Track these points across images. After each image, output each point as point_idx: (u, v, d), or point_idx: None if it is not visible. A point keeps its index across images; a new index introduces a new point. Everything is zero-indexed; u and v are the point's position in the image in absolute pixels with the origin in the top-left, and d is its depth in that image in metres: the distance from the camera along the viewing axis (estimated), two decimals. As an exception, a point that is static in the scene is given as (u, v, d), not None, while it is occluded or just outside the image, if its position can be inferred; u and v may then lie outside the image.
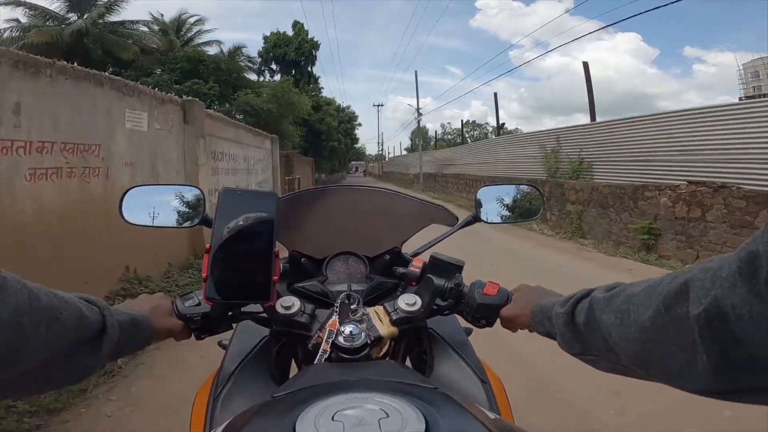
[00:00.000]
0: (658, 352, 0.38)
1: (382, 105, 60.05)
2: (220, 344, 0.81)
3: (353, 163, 59.65)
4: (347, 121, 30.31)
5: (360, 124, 35.16)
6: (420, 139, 35.50)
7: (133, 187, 0.80)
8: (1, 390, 0.42)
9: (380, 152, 57.20)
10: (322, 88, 26.87)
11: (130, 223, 0.78)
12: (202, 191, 0.82)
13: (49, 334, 0.42)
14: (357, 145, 41.58)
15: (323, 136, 23.31)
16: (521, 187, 0.92)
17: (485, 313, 0.70)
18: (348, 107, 32.60)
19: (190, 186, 0.83)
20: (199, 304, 0.65)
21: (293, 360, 0.81)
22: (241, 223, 0.58)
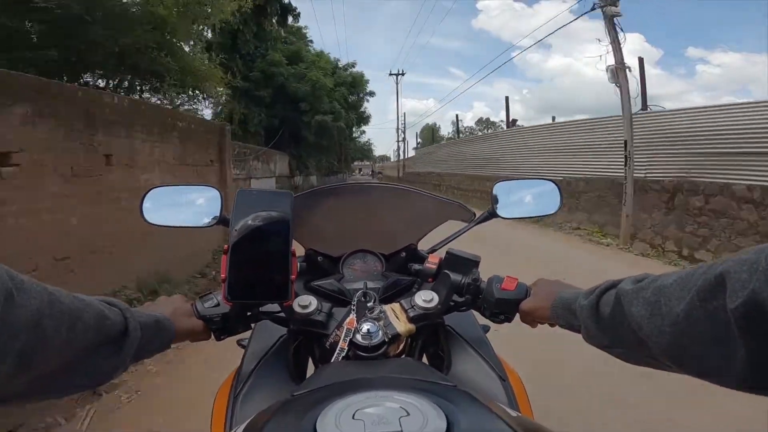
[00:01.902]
0: (693, 345, 0.37)
1: (402, 73, 33.79)
2: (239, 343, 0.82)
3: (357, 163, 47.10)
4: (350, 84, 17.70)
5: (372, 93, 20.15)
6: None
7: (153, 188, 0.82)
8: (25, 393, 0.42)
9: (401, 141, 35.21)
10: (311, 41, 16.67)
11: (150, 223, 0.80)
12: (219, 191, 0.83)
13: (71, 336, 0.42)
14: (364, 131, 27.10)
15: (305, 106, 13.56)
16: (538, 181, 0.91)
17: (504, 308, 0.69)
18: (353, 65, 18.82)
19: (208, 186, 0.84)
20: (218, 305, 0.66)
21: (311, 358, 0.81)
22: (257, 223, 0.58)
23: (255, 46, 12.84)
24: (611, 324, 0.47)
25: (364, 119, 21.88)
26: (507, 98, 20.94)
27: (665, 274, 0.42)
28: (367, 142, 38.06)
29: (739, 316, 0.31)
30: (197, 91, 7.07)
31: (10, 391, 0.40)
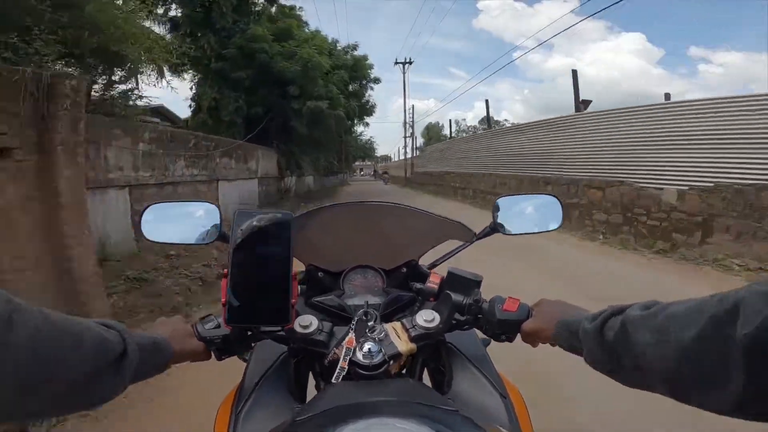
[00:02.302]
0: (691, 372, 0.38)
1: (410, 62, 31.04)
2: (240, 357, 0.82)
3: (358, 163, 41.18)
4: (351, 68, 14.39)
5: (377, 80, 16.24)
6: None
7: (151, 204, 0.82)
8: (26, 414, 0.43)
9: (409, 136, 30.73)
10: (306, 23, 13.12)
11: (150, 240, 0.80)
12: (218, 207, 0.82)
13: (71, 358, 0.43)
14: (368, 123, 20.12)
15: (295, 90, 10.66)
16: (540, 196, 0.91)
17: (505, 328, 0.69)
18: (354, 47, 15.32)
19: (207, 202, 0.84)
20: (218, 327, 0.66)
21: (312, 374, 0.81)
22: (256, 246, 0.58)
23: (234, 20, 10.16)
24: (614, 348, 0.48)
25: (367, 110, 16.51)
26: (487, 101, 21.30)
27: (676, 302, 0.42)
28: (369, 140, 33.32)
29: (748, 343, 0.32)
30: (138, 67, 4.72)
31: (11, 412, 0.40)
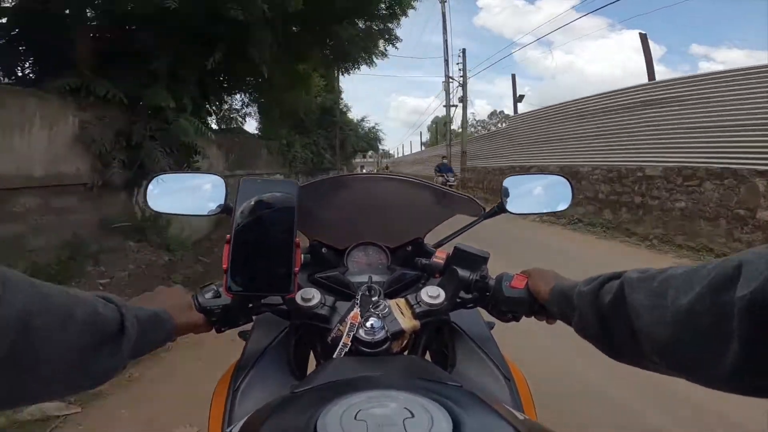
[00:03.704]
0: (687, 339, 0.36)
1: None
2: (240, 335, 0.82)
3: (359, 160, 33.42)
4: None
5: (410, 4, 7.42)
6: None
7: (157, 175, 0.82)
8: (20, 396, 0.39)
9: (453, 103, 17.36)
10: None
11: (155, 210, 0.80)
12: (223, 179, 0.82)
13: (63, 335, 0.40)
14: (385, 53, 8.16)
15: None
16: (549, 176, 0.89)
17: (512, 307, 0.68)
18: None
19: (212, 173, 0.83)
20: (219, 296, 0.64)
21: (312, 352, 0.80)
22: (261, 213, 0.57)
23: None
24: (609, 313, 0.46)
25: (390, 38, 8.33)
26: (513, 75, 14.21)
27: (673, 267, 0.41)
28: (373, 128, 23.40)
29: (745, 305, 0.31)
30: None
31: (6, 395, 0.37)
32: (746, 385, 0.33)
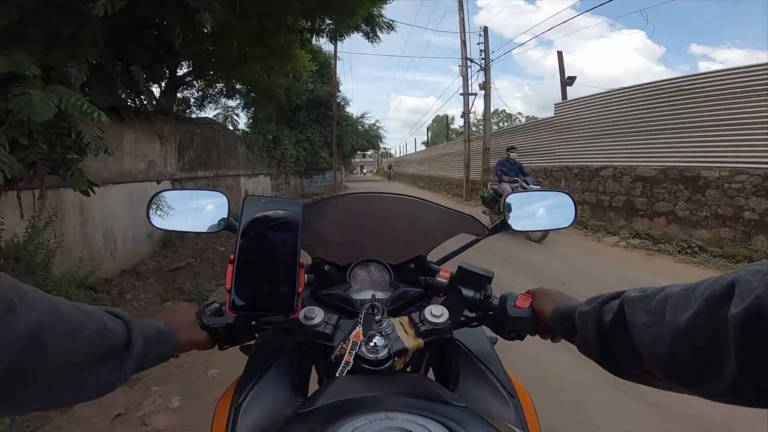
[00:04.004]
0: (686, 356, 0.37)
1: None
2: (242, 349, 0.82)
3: (358, 160, 31.90)
4: None
5: None
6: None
7: (160, 192, 0.82)
8: (25, 404, 0.42)
9: (473, 93, 13.41)
10: None
11: (156, 227, 0.80)
12: (227, 196, 0.82)
13: (71, 348, 0.42)
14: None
15: None
16: (553, 193, 0.89)
17: (517, 326, 0.68)
18: None
19: (215, 191, 0.83)
20: (222, 315, 0.65)
21: (315, 369, 0.80)
22: (265, 232, 0.57)
23: None
24: (610, 331, 0.47)
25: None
26: (560, 53, 11.94)
27: (671, 285, 0.42)
28: (374, 125, 21.21)
29: (739, 322, 0.31)
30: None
31: (8, 402, 0.39)
32: (745, 397, 0.34)
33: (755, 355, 0.31)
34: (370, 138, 21.20)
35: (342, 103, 17.43)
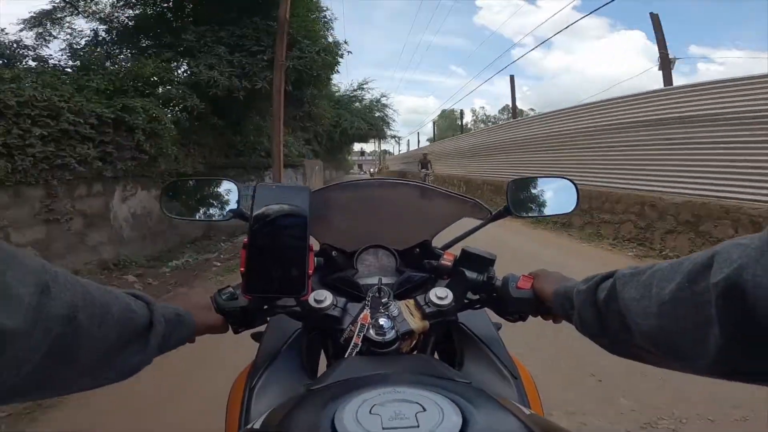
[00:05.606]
0: (671, 327, 0.38)
1: None
2: (253, 336, 0.84)
3: (356, 159, 28.65)
4: None
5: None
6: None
7: (172, 182, 0.84)
8: (56, 387, 0.41)
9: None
10: None
11: (169, 215, 0.81)
12: (237, 184, 0.84)
13: (103, 330, 0.42)
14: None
15: None
16: (555, 179, 0.90)
17: (519, 307, 0.69)
18: None
19: (225, 179, 0.85)
20: (236, 298, 0.67)
21: (323, 352, 0.82)
22: (275, 218, 0.59)
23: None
24: (604, 309, 0.48)
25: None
26: (512, 77, 13.63)
27: (662, 262, 0.43)
28: (378, 100, 15.70)
29: (720, 291, 0.32)
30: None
31: (44, 384, 0.39)
32: (733, 369, 0.35)
33: (738, 323, 0.32)
34: (373, 121, 14.01)
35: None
